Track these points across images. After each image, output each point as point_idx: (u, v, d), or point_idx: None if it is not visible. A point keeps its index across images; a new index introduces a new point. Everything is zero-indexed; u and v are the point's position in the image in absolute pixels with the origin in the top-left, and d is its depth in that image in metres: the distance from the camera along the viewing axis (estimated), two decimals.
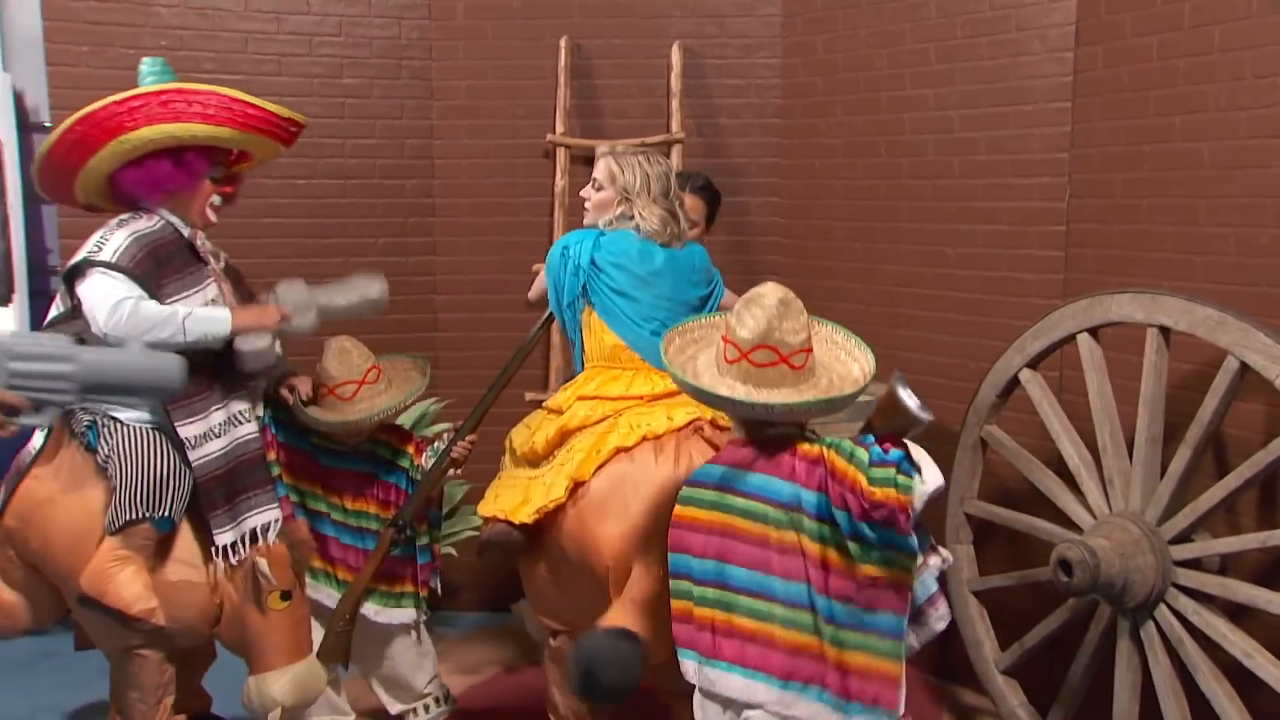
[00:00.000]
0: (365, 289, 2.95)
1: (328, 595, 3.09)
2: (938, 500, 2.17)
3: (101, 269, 2.64)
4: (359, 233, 4.10)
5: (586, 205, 3.06)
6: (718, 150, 4.14)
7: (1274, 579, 2.75)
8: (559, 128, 4.03)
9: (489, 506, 2.87)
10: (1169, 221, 3.06)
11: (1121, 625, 2.84)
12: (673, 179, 3.00)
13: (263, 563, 2.66)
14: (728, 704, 2.32)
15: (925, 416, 2.15)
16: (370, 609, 3.09)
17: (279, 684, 2.76)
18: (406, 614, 3.13)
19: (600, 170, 3.01)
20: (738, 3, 4.09)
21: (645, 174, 2.94)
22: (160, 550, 2.74)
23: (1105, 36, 3.21)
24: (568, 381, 3.04)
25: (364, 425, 3.01)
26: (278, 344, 2.92)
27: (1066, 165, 3.35)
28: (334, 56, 4.04)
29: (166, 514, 2.69)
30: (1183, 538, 2.72)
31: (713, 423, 2.76)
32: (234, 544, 2.79)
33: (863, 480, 2.13)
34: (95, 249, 2.67)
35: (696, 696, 2.38)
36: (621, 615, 2.52)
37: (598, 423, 2.79)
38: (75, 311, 2.69)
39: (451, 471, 3.08)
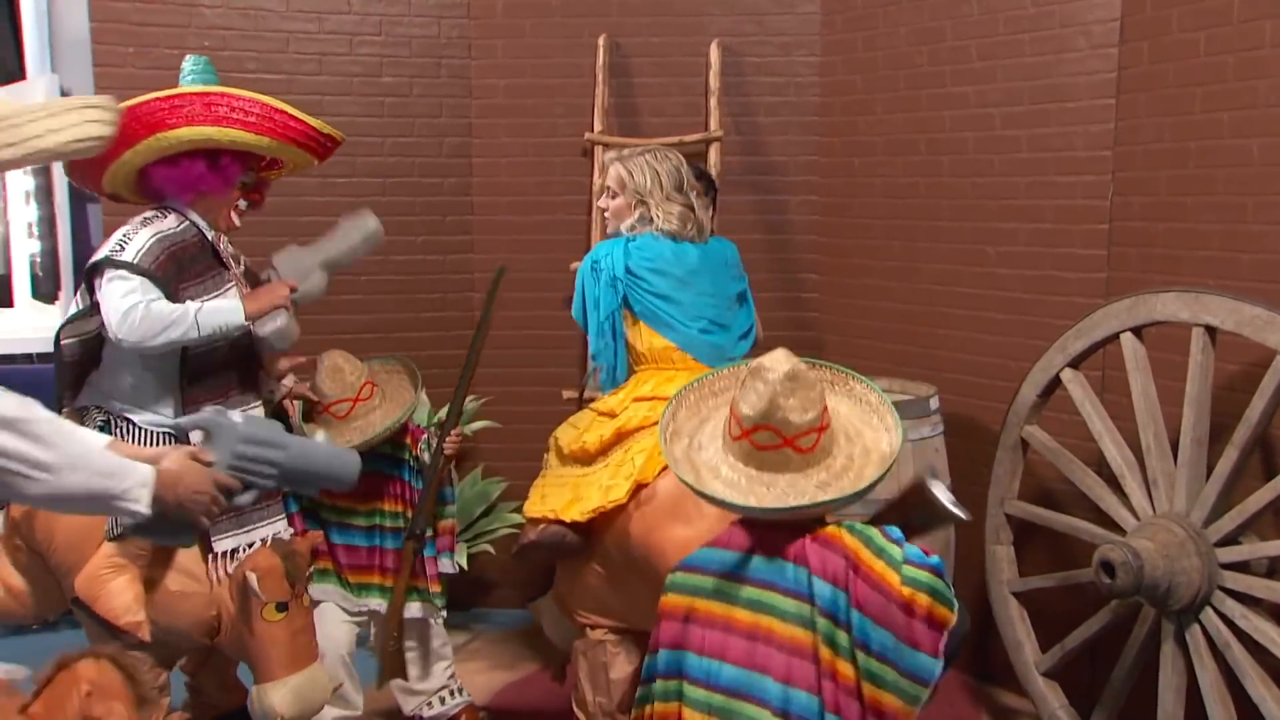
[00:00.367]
0: (360, 228, 2.93)
1: (342, 597, 3.11)
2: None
3: (119, 271, 2.61)
4: (397, 231, 4.09)
5: (606, 215, 3.06)
6: (756, 149, 4.13)
7: None
8: (597, 126, 4.04)
9: (536, 507, 2.85)
10: (1215, 220, 3.02)
11: (1166, 628, 2.80)
12: (684, 171, 2.98)
13: (253, 577, 2.60)
14: None
15: (962, 515, 1.98)
16: (375, 603, 3.11)
17: (278, 695, 2.70)
18: (412, 609, 3.11)
19: (611, 177, 3.00)
20: (777, 0, 4.08)
21: (655, 171, 2.93)
22: (161, 559, 2.71)
23: (1151, 32, 3.17)
24: (587, 377, 3.00)
25: (360, 449, 2.94)
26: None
27: (1110, 163, 3.30)
28: (374, 55, 4.07)
29: None
30: (1229, 540, 2.68)
31: None
32: (231, 551, 2.75)
33: (894, 578, 1.90)
34: (118, 248, 2.64)
35: None
36: None
37: (656, 424, 2.77)
38: (94, 309, 2.69)
39: (449, 468, 3.10)
